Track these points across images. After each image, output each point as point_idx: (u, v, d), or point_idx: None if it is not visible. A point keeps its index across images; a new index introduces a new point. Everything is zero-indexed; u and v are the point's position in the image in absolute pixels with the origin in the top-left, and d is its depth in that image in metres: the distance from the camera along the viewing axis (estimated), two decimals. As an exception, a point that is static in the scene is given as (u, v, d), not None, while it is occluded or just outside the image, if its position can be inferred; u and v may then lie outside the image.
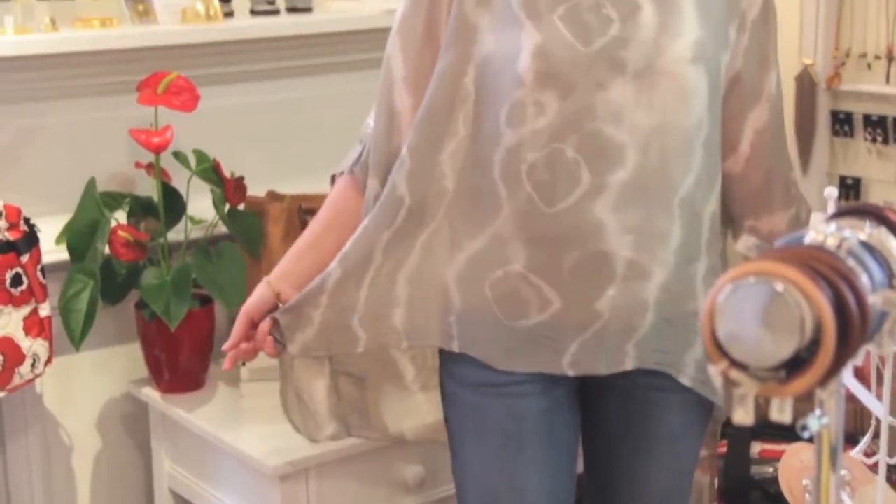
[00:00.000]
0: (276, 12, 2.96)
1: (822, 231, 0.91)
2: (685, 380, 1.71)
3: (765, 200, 1.75)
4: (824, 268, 0.85)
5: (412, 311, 1.70)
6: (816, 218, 0.94)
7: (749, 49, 1.68)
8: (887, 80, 2.80)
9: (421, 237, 1.68)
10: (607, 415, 1.80)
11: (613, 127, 1.56)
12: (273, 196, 2.90)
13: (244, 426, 2.48)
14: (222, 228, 2.73)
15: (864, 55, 2.85)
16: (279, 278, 1.85)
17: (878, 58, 2.82)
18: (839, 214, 0.97)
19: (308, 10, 3.00)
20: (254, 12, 2.95)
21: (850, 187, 2.92)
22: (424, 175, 1.65)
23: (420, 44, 1.67)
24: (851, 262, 0.88)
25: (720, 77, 1.65)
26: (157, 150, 2.58)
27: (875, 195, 2.89)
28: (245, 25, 2.86)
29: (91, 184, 2.60)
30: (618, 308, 1.62)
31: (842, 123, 2.92)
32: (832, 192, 1.36)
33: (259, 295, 1.87)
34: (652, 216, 1.61)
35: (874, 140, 2.85)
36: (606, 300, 1.61)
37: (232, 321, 2.74)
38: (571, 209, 1.57)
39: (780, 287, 0.84)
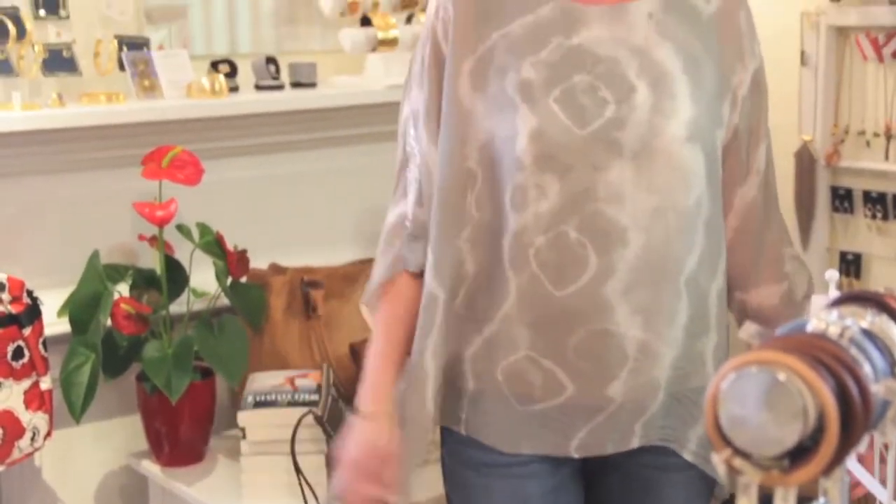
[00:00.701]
0: (280, 87, 2.99)
1: (823, 319, 0.92)
2: (688, 455, 1.70)
3: (753, 274, 1.75)
4: (826, 357, 0.86)
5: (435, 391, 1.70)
6: (817, 304, 0.94)
7: (740, 125, 1.70)
8: (886, 157, 2.82)
9: (452, 325, 1.68)
10: (610, 492, 1.79)
11: (615, 208, 1.57)
12: (275, 269, 2.92)
13: (244, 500, 2.46)
14: (224, 301, 2.73)
15: (862, 132, 2.88)
16: (374, 402, 1.70)
17: (876, 135, 2.85)
18: (840, 301, 0.98)
19: (312, 85, 3.03)
20: (258, 87, 2.99)
21: (850, 263, 2.92)
22: (447, 264, 1.66)
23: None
24: (854, 351, 0.89)
25: (716, 155, 1.67)
26: (161, 224, 2.60)
27: (876, 271, 2.89)
28: (249, 100, 2.89)
29: (94, 256, 2.61)
30: (630, 391, 1.62)
31: (842, 199, 2.93)
32: (833, 275, 1.36)
33: (364, 439, 1.70)
34: (660, 296, 1.61)
35: (874, 216, 2.86)
36: (619, 384, 1.61)
37: (233, 394, 2.75)
38: (581, 292, 1.58)
39: (782, 376, 0.84)
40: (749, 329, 1.74)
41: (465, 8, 1.64)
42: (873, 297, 0.97)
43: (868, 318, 0.94)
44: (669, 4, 1.64)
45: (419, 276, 1.71)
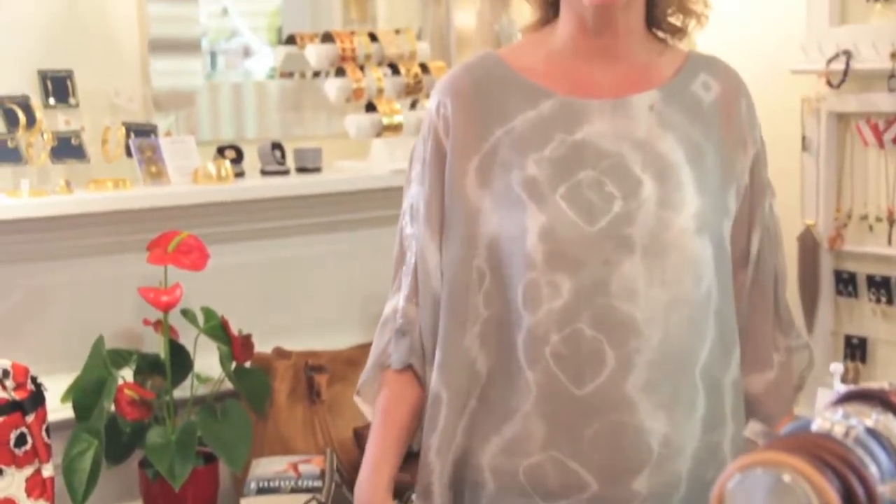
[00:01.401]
0: (285, 172, 3.02)
1: (828, 418, 0.91)
2: None
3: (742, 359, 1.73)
4: (832, 458, 0.85)
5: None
6: (822, 400, 0.94)
7: (740, 213, 1.70)
8: (889, 242, 2.83)
9: (462, 421, 1.67)
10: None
11: (629, 304, 1.56)
12: (280, 353, 2.91)
13: (246, 590, 2.43)
14: (229, 385, 2.73)
15: (865, 217, 2.89)
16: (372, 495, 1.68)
17: (879, 220, 2.86)
18: (845, 399, 0.97)
19: (317, 169, 3.06)
20: (264, 172, 3.01)
21: (856, 347, 2.92)
22: (456, 365, 1.65)
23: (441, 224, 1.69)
24: (859, 452, 0.88)
25: (724, 245, 1.66)
26: (166, 309, 2.60)
27: (882, 356, 2.89)
28: (255, 185, 2.91)
29: (99, 342, 2.61)
30: (655, 485, 1.60)
31: (845, 283, 2.93)
32: (837, 367, 1.36)
33: None
34: (679, 389, 1.60)
35: (878, 301, 2.86)
36: (644, 478, 1.59)
37: (236, 479, 2.73)
38: (602, 389, 1.57)
39: (787, 478, 0.84)
40: (753, 427, 1.72)
41: (466, 105, 1.64)
42: (878, 395, 0.97)
43: (873, 417, 0.94)
44: (670, 95, 1.65)
45: (403, 372, 1.71)
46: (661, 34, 1.69)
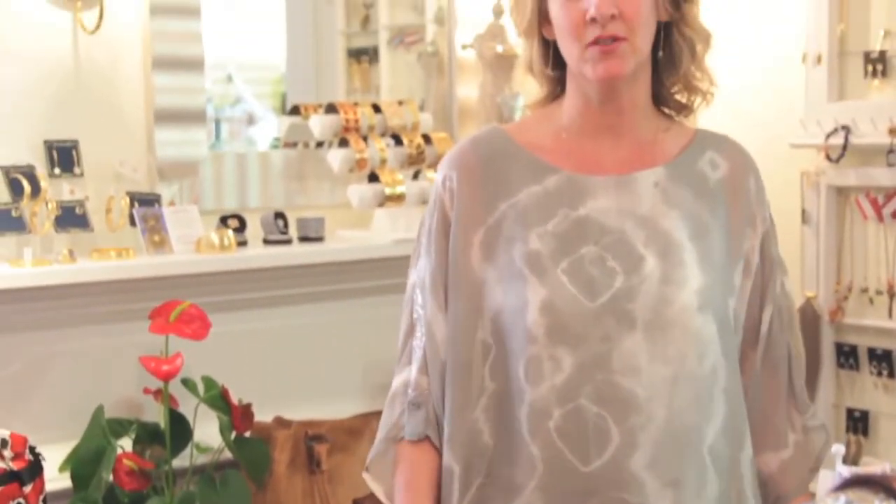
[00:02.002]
0: (288, 241, 3.03)
1: (831, 506, 0.91)
2: None
3: (754, 438, 1.72)
4: (835, 547, 0.85)
5: None
6: (824, 484, 0.94)
7: (751, 291, 1.70)
8: (890, 315, 2.83)
9: (472, 495, 1.66)
10: None
11: (631, 380, 1.55)
12: (280, 422, 2.90)
13: None
14: (228, 455, 2.71)
15: (865, 289, 2.90)
16: None
17: (879, 293, 2.87)
18: (848, 484, 0.97)
19: (320, 239, 3.07)
20: (266, 241, 3.02)
21: (857, 420, 2.91)
22: (464, 438, 1.64)
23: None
24: (862, 540, 0.88)
25: (729, 322, 1.66)
26: (167, 379, 2.60)
27: (884, 429, 2.88)
28: (257, 254, 2.92)
29: (98, 412, 2.60)
30: None
31: (846, 356, 2.93)
32: (839, 449, 1.36)
33: None
34: (686, 468, 1.58)
35: (880, 374, 2.86)
36: None
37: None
38: (607, 466, 1.55)
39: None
40: None
41: (472, 179, 1.66)
42: (881, 481, 0.97)
43: (876, 504, 0.93)
44: (675, 172, 1.65)
45: (420, 443, 1.70)
46: (667, 111, 1.70)
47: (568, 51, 1.58)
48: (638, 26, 1.55)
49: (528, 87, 1.78)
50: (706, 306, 1.59)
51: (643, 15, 1.56)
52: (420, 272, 1.71)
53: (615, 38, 1.54)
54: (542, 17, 1.62)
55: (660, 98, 1.69)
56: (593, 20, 1.53)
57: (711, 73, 1.69)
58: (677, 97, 1.69)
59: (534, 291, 1.57)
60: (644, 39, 1.57)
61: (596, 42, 1.54)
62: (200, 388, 2.72)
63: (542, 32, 1.63)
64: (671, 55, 1.63)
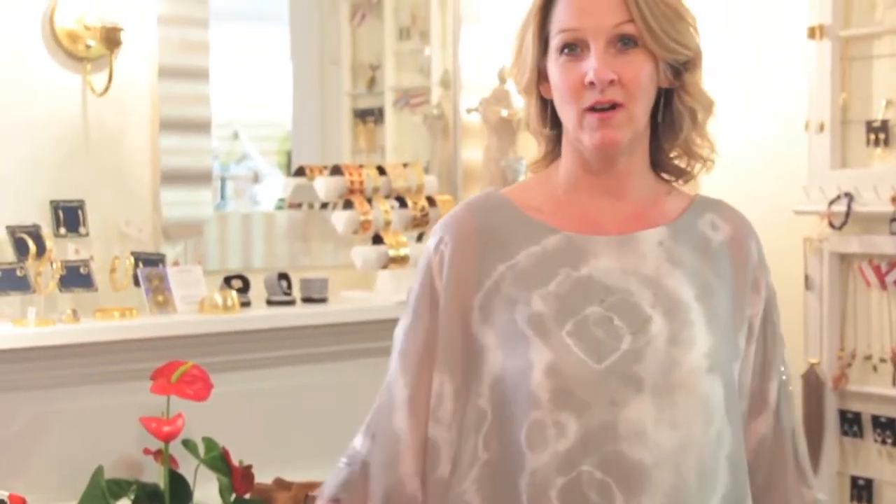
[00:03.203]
0: (291, 302, 3.03)
1: None
2: None
3: None
4: None
5: None
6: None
7: (755, 357, 1.68)
8: (894, 383, 2.82)
9: None
10: None
11: (638, 447, 1.52)
12: (280, 484, 2.88)
13: None
14: (228, 517, 2.70)
15: (869, 357, 2.89)
16: None
17: (883, 360, 2.86)
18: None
19: (323, 300, 3.07)
20: (270, 302, 3.03)
21: (862, 489, 2.89)
22: None
23: (420, 361, 1.65)
24: None
25: (734, 387, 1.63)
26: (167, 440, 2.59)
27: (888, 498, 2.86)
28: (261, 315, 2.93)
29: (98, 473, 2.59)
30: None
31: (850, 423, 2.92)
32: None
33: None
34: None
35: (884, 442, 2.84)
36: None
37: None
38: None
39: None
40: None
41: (467, 243, 1.61)
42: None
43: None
44: (678, 232, 1.62)
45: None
46: (666, 176, 1.70)
47: (565, 114, 1.56)
48: (637, 93, 1.54)
49: (531, 152, 1.77)
50: (715, 368, 1.56)
51: (643, 81, 1.54)
52: (399, 329, 1.68)
53: (613, 105, 1.52)
54: (541, 75, 1.59)
55: (659, 163, 1.67)
56: (591, 84, 1.51)
57: (713, 139, 1.66)
58: (677, 162, 1.69)
59: (538, 353, 1.53)
60: (643, 107, 1.56)
61: (593, 107, 1.52)
62: (201, 448, 2.70)
63: (541, 91, 1.61)
64: (671, 121, 1.61)
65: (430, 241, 1.67)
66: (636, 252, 1.60)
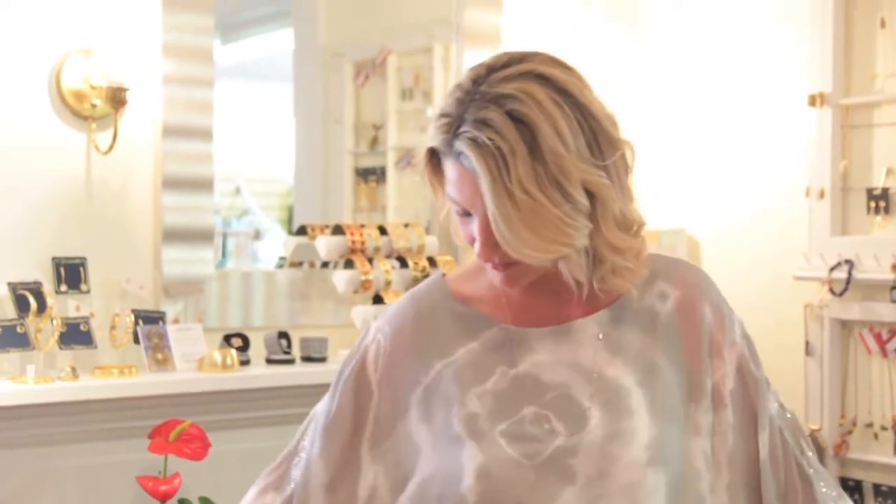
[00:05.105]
0: (291, 361, 3.03)
1: None
2: None
3: None
4: None
5: None
6: None
7: (736, 422, 1.63)
8: (895, 451, 2.81)
9: None
10: None
11: None
12: (276, 544, 2.86)
13: None
14: (222, 581, 2.67)
15: (870, 424, 2.88)
16: None
17: (884, 428, 2.85)
18: None
19: (323, 359, 3.07)
20: (269, 360, 3.02)
21: (862, 559, 2.87)
22: None
23: (344, 446, 1.61)
24: None
25: (683, 475, 1.56)
26: (164, 499, 2.58)
27: (889, 568, 2.83)
28: (260, 374, 2.92)
29: (93, 534, 2.57)
30: None
31: (851, 491, 2.90)
32: None
33: None
34: None
35: (885, 511, 2.82)
36: None
37: None
38: None
39: None
40: None
41: (406, 339, 1.56)
42: None
43: None
44: (620, 313, 1.55)
45: None
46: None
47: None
48: (527, 259, 1.45)
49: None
50: (657, 460, 1.49)
51: (527, 258, 1.45)
52: (321, 408, 1.64)
53: (507, 265, 1.47)
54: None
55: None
56: None
57: (639, 214, 1.52)
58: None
59: (470, 456, 1.48)
60: (540, 258, 1.46)
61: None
62: (197, 510, 2.69)
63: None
64: (595, 255, 1.50)
65: (370, 328, 1.59)
66: (573, 342, 1.53)
